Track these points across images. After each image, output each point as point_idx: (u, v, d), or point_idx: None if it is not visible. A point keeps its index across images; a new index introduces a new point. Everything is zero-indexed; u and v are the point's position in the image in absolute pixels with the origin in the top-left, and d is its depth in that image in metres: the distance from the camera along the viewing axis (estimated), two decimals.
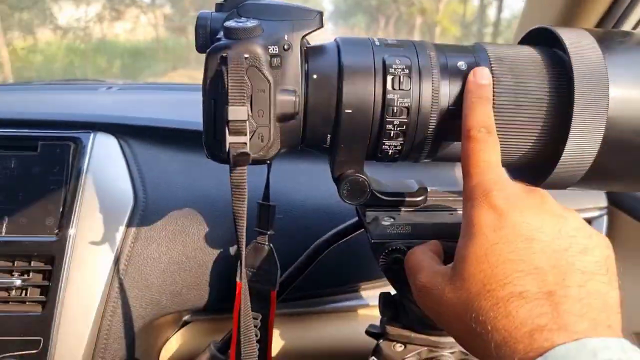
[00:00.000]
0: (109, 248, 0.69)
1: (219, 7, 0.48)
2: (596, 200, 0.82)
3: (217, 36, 0.44)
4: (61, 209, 0.70)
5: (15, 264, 0.69)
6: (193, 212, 0.71)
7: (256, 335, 0.66)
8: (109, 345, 0.69)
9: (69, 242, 0.68)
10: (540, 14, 0.71)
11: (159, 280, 0.70)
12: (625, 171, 0.49)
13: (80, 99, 1.00)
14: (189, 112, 0.80)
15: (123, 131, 0.77)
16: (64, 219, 0.69)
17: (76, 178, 0.71)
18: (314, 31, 0.46)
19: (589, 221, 0.83)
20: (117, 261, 0.69)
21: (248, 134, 0.42)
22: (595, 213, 0.82)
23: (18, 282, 0.68)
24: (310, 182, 0.74)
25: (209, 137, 0.44)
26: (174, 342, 0.78)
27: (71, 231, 0.69)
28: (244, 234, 0.46)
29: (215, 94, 0.42)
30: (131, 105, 0.95)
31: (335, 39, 0.48)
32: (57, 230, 0.69)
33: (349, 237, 0.63)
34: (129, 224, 0.70)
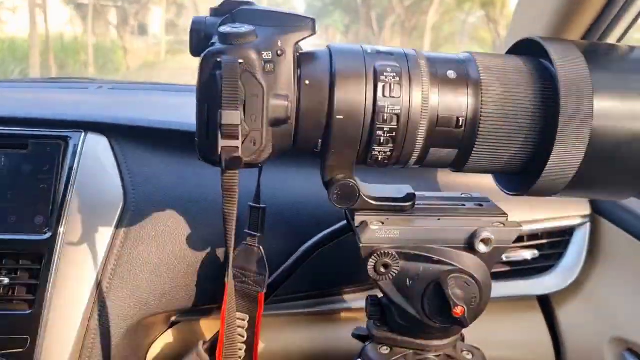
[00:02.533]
0: (98, 248, 0.69)
1: (214, 12, 0.48)
2: (580, 208, 0.84)
3: (212, 41, 0.45)
4: (50, 208, 0.70)
5: (4, 262, 0.69)
6: (183, 213, 0.72)
7: (243, 336, 0.66)
8: (96, 344, 0.69)
9: (58, 241, 0.68)
10: (528, 24, 0.72)
11: (147, 280, 0.70)
12: (608, 181, 0.50)
13: (71, 98, 1.00)
14: (179, 114, 0.80)
15: (114, 131, 0.77)
16: (54, 218, 0.69)
17: (66, 177, 0.71)
18: (306, 37, 0.47)
19: (572, 229, 0.84)
20: (106, 261, 0.69)
21: (241, 137, 0.43)
22: (579, 221, 0.84)
23: (6, 281, 0.68)
24: (300, 185, 0.75)
25: (202, 140, 0.45)
26: (162, 342, 0.79)
27: (60, 230, 0.69)
28: (233, 236, 0.47)
29: (209, 98, 0.43)
30: (122, 105, 0.95)
31: (327, 46, 0.49)
32: (46, 229, 0.69)
33: (337, 240, 0.64)
34: (118, 224, 0.70)
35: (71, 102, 0.94)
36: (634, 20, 0.66)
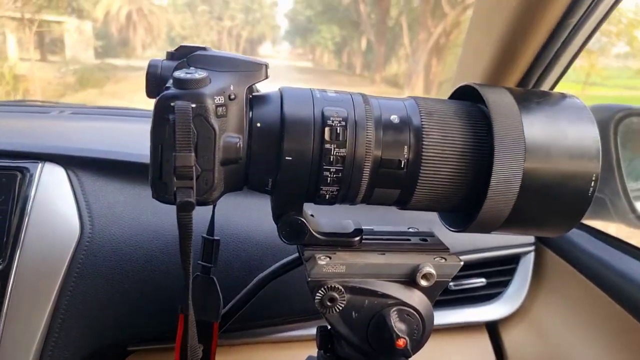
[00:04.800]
0: (53, 280, 0.69)
1: (170, 56, 0.50)
2: (524, 237, 0.88)
3: (167, 84, 0.47)
4: (5, 239, 0.70)
5: None
6: (139, 244, 0.73)
7: None
8: None
9: (11, 272, 0.68)
10: (471, 71, 0.76)
11: (102, 312, 0.71)
12: (541, 219, 0.53)
13: (31, 125, 1.00)
14: (142, 141, 0.81)
15: (72, 162, 0.78)
16: (8, 249, 0.69)
17: (22, 208, 0.71)
18: (259, 82, 0.49)
19: (518, 257, 0.88)
20: (60, 293, 0.69)
21: (195, 178, 0.45)
22: (524, 249, 0.88)
23: None
24: (254, 217, 0.77)
25: (155, 179, 0.46)
26: None
27: (15, 262, 0.69)
28: (190, 270, 0.48)
29: (162, 140, 0.45)
30: (83, 133, 0.96)
31: (279, 89, 0.51)
32: (0, 260, 0.69)
33: (290, 270, 0.66)
34: (74, 256, 0.70)
35: (30, 130, 0.94)
36: (564, 70, 0.72)
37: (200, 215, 0.64)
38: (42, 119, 1.06)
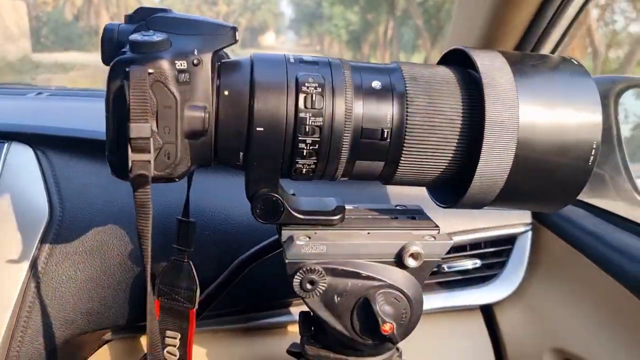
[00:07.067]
0: (21, 265, 0.65)
1: (128, 19, 0.46)
2: (521, 216, 0.84)
3: (123, 49, 0.42)
4: None
5: None
6: (113, 227, 0.68)
7: (175, 355, 0.64)
8: None
9: None
10: (464, 35, 0.72)
11: (74, 298, 0.67)
12: (536, 193, 0.49)
13: (4, 105, 0.95)
14: None
15: (41, 142, 0.73)
16: None
17: None
18: (227, 46, 0.45)
19: (514, 237, 0.84)
20: (28, 279, 0.65)
21: (153, 151, 0.41)
22: (521, 229, 0.84)
23: None
24: (232, 197, 0.73)
25: (112, 154, 0.42)
26: None
27: None
28: (149, 252, 0.44)
29: (117, 110, 0.41)
30: (58, 115, 0.91)
31: (250, 55, 0.47)
32: None
33: (272, 253, 0.62)
34: (42, 240, 0.66)
35: (3, 109, 0.90)
36: (565, 32, 0.67)
37: (177, 196, 0.61)
38: (16, 100, 1.01)
